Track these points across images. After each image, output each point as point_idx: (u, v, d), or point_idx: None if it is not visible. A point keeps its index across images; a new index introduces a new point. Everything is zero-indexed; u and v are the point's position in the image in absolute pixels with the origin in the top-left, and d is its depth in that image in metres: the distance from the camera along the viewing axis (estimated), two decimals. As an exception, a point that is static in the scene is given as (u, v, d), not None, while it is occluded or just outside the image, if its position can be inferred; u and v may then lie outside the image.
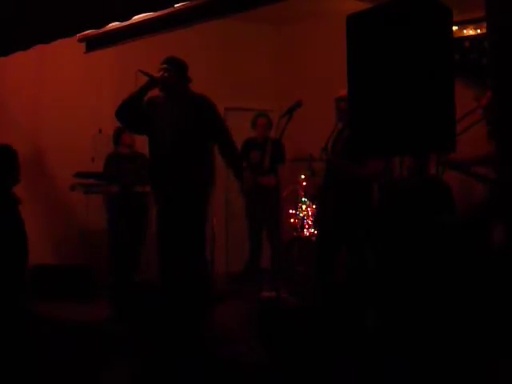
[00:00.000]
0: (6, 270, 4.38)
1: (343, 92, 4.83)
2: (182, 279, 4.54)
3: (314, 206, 6.13)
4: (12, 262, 4.43)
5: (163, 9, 4.64)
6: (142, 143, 6.16)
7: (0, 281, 4.31)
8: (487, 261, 3.71)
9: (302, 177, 6.37)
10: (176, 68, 4.68)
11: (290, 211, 6.38)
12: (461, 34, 5.86)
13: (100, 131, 6.80)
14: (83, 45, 5.80)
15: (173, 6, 4.60)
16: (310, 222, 6.22)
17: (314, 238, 5.91)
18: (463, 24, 5.81)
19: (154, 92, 4.74)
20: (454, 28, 5.52)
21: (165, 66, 4.66)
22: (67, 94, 6.80)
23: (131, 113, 4.65)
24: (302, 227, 6.24)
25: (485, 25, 3.70)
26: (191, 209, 4.60)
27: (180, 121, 4.60)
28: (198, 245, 4.64)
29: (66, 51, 6.10)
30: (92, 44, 5.75)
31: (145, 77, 4.62)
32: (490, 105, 3.93)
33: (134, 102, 4.62)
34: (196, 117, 4.62)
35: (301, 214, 6.29)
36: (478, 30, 5.77)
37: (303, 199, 6.35)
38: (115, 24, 5.06)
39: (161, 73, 4.64)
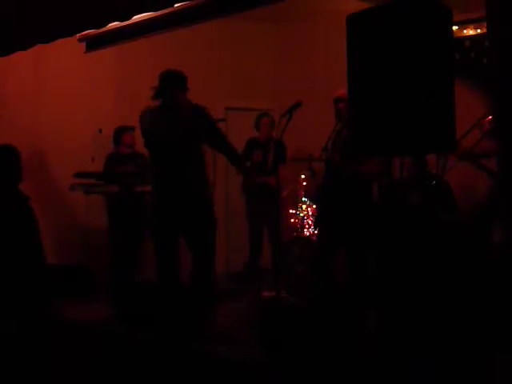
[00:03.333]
0: (18, 268, 4.37)
1: (340, 92, 4.84)
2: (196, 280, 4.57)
3: (314, 206, 6.14)
4: (24, 260, 4.42)
5: (163, 9, 4.63)
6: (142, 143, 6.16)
7: (13, 279, 4.29)
8: (487, 259, 3.72)
9: (302, 177, 6.37)
10: (167, 84, 4.62)
11: (290, 211, 6.38)
12: (461, 34, 5.86)
13: (100, 131, 6.79)
14: (83, 45, 5.80)
15: (173, 6, 4.60)
16: (310, 221, 6.22)
17: (314, 238, 5.91)
18: (463, 24, 5.82)
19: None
20: (454, 28, 5.52)
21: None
22: (67, 94, 6.80)
23: None
24: (302, 227, 6.24)
25: (485, 25, 3.70)
26: (203, 216, 4.62)
27: (176, 133, 4.59)
28: (212, 248, 4.68)
29: (66, 51, 6.10)
30: (92, 44, 5.75)
31: None
32: (492, 129, 3.93)
33: None
34: (192, 127, 4.63)
35: (301, 214, 6.29)
36: (478, 30, 5.77)
37: (303, 199, 6.35)
38: (115, 24, 5.06)
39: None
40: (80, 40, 5.70)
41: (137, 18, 4.87)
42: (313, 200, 6.17)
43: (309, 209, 6.26)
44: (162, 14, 4.81)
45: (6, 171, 4.69)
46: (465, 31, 5.88)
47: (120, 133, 6.33)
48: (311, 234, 6.12)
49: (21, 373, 3.79)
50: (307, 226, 6.21)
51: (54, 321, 4.47)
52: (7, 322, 4.10)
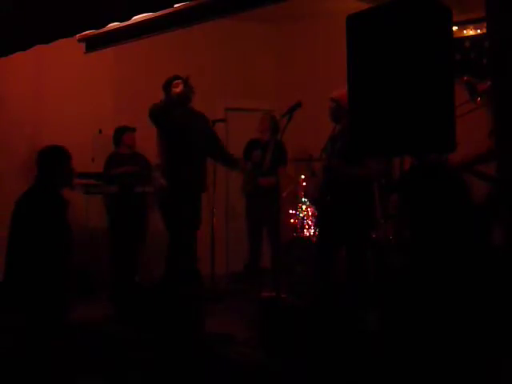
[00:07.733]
0: (50, 274, 4.29)
1: (333, 93, 4.87)
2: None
3: (314, 207, 6.13)
4: (54, 266, 4.34)
5: (163, 9, 4.63)
6: (142, 144, 6.18)
7: (45, 286, 4.22)
8: (488, 260, 3.71)
9: (302, 177, 6.37)
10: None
11: (290, 211, 6.38)
12: (461, 34, 5.87)
13: (100, 131, 6.80)
14: (83, 45, 5.80)
15: (173, 6, 4.60)
16: (309, 222, 6.22)
17: (314, 239, 5.91)
18: (463, 24, 5.82)
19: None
20: (454, 28, 5.53)
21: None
22: (67, 94, 6.80)
23: None
24: (302, 227, 6.24)
25: (485, 25, 3.70)
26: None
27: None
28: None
29: (66, 51, 6.10)
30: (92, 44, 5.75)
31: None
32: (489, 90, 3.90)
33: None
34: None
35: (301, 215, 6.28)
36: (478, 30, 5.78)
37: (303, 199, 6.34)
38: (115, 24, 5.06)
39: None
40: (80, 40, 5.70)
41: (137, 18, 4.87)
42: (312, 201, 6.16)
43: (308, 209, 6.25)
44: (161, 15, 4.81)
45: (50, 173, 4.41)
46: (465, 31, 5.89)
47: (121, 133, 6.34)
48: (311, 235, 6.11)
49: (21, 369, 3.79)
50: (307, 227, 6.21)
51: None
52: (18, 315, 4.07)
